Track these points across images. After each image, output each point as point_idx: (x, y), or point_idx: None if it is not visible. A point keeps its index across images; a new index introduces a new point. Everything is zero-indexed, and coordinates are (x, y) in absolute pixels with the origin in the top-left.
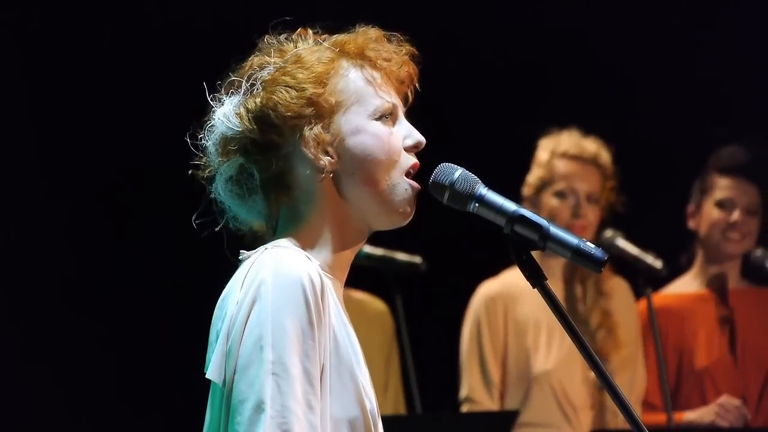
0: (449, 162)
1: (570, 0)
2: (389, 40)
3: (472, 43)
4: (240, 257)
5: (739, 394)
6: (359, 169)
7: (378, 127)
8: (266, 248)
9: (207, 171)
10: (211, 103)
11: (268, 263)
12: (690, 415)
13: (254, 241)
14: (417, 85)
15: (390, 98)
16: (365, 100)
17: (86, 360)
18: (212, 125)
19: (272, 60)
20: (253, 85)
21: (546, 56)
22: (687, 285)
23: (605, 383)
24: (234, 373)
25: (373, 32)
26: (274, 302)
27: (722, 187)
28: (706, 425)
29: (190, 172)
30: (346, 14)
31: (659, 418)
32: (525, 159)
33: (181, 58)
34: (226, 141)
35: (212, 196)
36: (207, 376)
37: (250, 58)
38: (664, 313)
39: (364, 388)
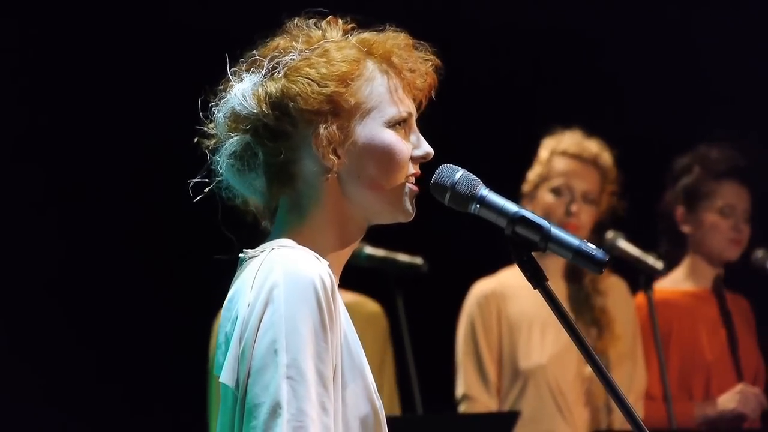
0: (450, 163)
1: (572, 1)
2: (416, 48)
3: (474, 42)
4: (241, 255)
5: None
6: (365, 173)
7: (390, 135)
8: (273, 248)
9: (213, 142)
10: (230, 75)
11: (279, 265)
12: (704, 405)
13: (250, 238)
14: (434, 95)
15: (407, 108)
16: (383, 106)
17: (78, 358)
18: (226, 99)
19: (298, 46)
20: (275, 68)
21: (547, 57)
22: (681, 283)
23: (604, 382)
24: (248, 377)
25: (402, 38)
26: (287, 305)
27: (724, 193)
28: (722, 413)
29: (195, 139)
30: (343, 10)
31: (659, 407)
32: (526, 160)
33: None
34: (237, 118)
35: (213, 167)
36: (220, 380)
37: (275, 39)
38: (668, 307)
39: (373, 386)
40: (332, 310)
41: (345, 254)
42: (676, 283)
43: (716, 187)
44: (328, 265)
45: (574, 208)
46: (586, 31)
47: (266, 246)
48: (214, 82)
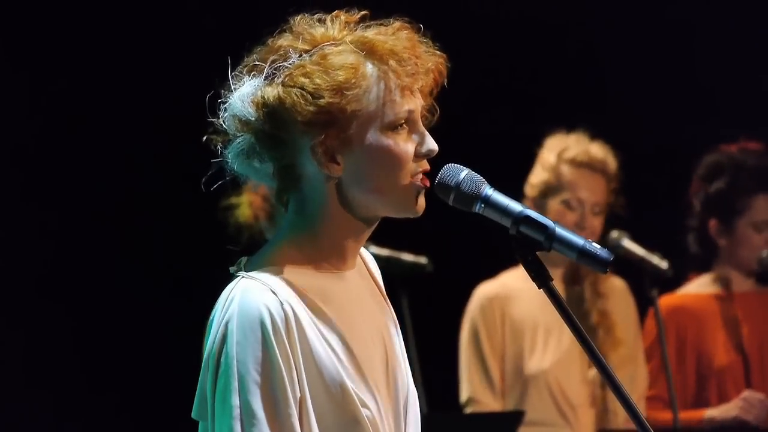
0: (455, 162)
1: (572, 1)
2: (421, 45)
3: (476, 42)
4: (231, 270)
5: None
6: (366, 179)
7: (388, 140)
8: (242, 276)
9: (222, 138)
10: (231, 79)
11: (237, 299)
12: (711, 412)
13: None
14: (445, 83)
15: (407, 107)
16: (380, 111)
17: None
18: (229, 103)
19: (299, 47)
20: (274, 73)
21: (548, 56)
22: (706, 287)
23: (610, 383)
24: (212, 418)
25: (405, 37)
26: (238, 345)
27: (758, 207)
28: (724, 421)
29: (204, 138)
30: (347, 4)
31: (681, 415)
32: (527, 159)
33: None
34: (239, 121)
35: (223, 162)
36: (192, 416)
37: (278, 38)
38: (682, 313)
39: (357, 395)
40: (285, 343)
41: (354, 246)
42: (700, 287)
43: (750, 202)
44: (328, 263)
45: (587, 223)
46: (584, 27)
47: (243, 274)
48: (221, 81)
